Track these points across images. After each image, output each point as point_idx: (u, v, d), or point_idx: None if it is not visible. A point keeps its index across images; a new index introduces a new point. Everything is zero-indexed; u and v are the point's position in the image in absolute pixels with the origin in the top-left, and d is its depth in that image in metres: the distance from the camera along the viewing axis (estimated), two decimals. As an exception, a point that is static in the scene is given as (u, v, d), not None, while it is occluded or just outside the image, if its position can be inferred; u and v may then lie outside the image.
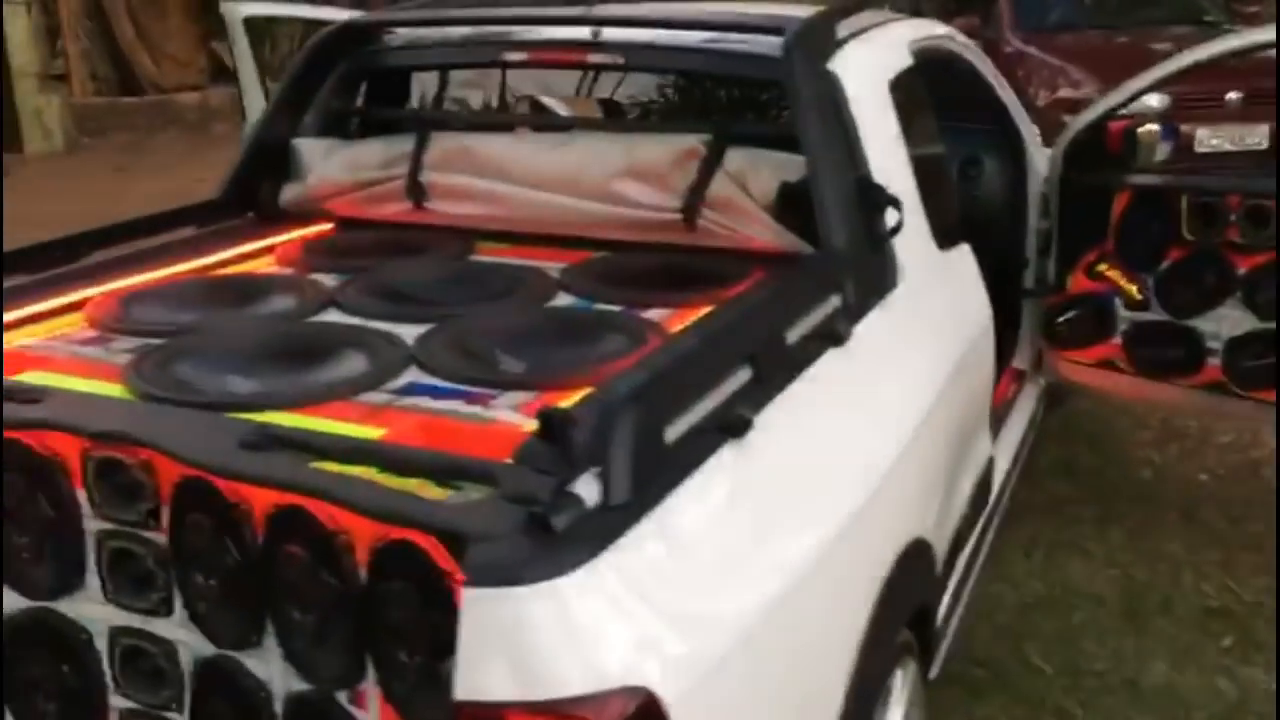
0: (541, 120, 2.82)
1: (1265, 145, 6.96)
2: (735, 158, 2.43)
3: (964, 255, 2.72)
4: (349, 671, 1.47)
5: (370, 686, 1.47)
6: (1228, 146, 6.65)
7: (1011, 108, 3.59)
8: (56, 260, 2.34)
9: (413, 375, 1.87)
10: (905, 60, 2.67)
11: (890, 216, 2.27)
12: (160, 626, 1.64)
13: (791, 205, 2.33)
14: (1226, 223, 3.25)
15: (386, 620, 1.41)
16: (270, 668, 1.56)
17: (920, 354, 2.24)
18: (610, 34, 2.57)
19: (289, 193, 2.76)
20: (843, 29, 2.50)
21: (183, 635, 1.63)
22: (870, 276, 2.21)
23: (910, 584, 1.97)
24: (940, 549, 2.25)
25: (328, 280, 2.37)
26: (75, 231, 2.45)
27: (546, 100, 3.73)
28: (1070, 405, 4.30)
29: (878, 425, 1.96)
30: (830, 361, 1.93)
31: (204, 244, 2.57)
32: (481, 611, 1.26)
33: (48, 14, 10.90)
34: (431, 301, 2.22)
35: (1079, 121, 3.60)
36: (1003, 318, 2.99)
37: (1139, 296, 3.47)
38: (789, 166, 2.35)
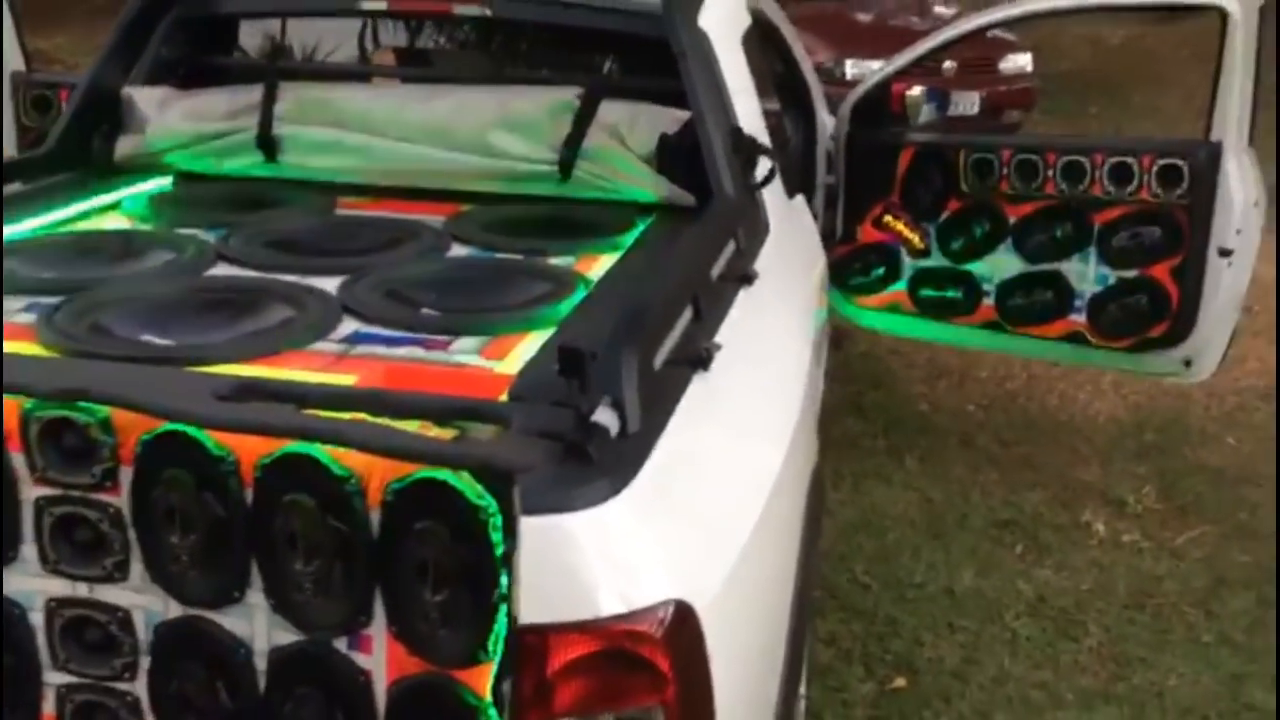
0: (408, 72, 2.76)
1: (976, 111, 7.68)
2: (610, 110, 2.50)
3: (802, 203, 2.92)
4: (353, 617, 1.46)
5: (376, 629, 1.47)
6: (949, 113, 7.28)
7: (806, 71, 3.83)
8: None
9: (352, 325, 1.84)
10: (747, 18, 2.82)
11: (762, 166, 2.41)
12: (111, 593, 1.56)
13: (671, 157, 2.43)
14: (1000, 176, 3.62)
15: (409, 561, 1.42)
16: (252, 623, 1.52)
17: (796, 290, 2.41)
18: (475, -15, 2.56)
19: (124, 145, 2.59)
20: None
21: (139, 600, 1.55)
22: (753, 222, 2.35)
23: (818, 496, 2.15)
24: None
25: (197, 234, 2.26)
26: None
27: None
28: (847, 349, 4.65)
29: (788, 353, 2.10)
30: (743, 299, 2.05)
31: (41, 199, 2.38)
32: (533, 540, 1.31)
33: None
34: (330, 252, 2.17)
35: (862, 86, 3.89)
36: None
37: (921, 245, 3.80)
38: (665, 119, 2.45)
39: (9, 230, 2.23)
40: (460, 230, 2.34)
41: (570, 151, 2.48)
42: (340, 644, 1.49)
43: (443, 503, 1.38)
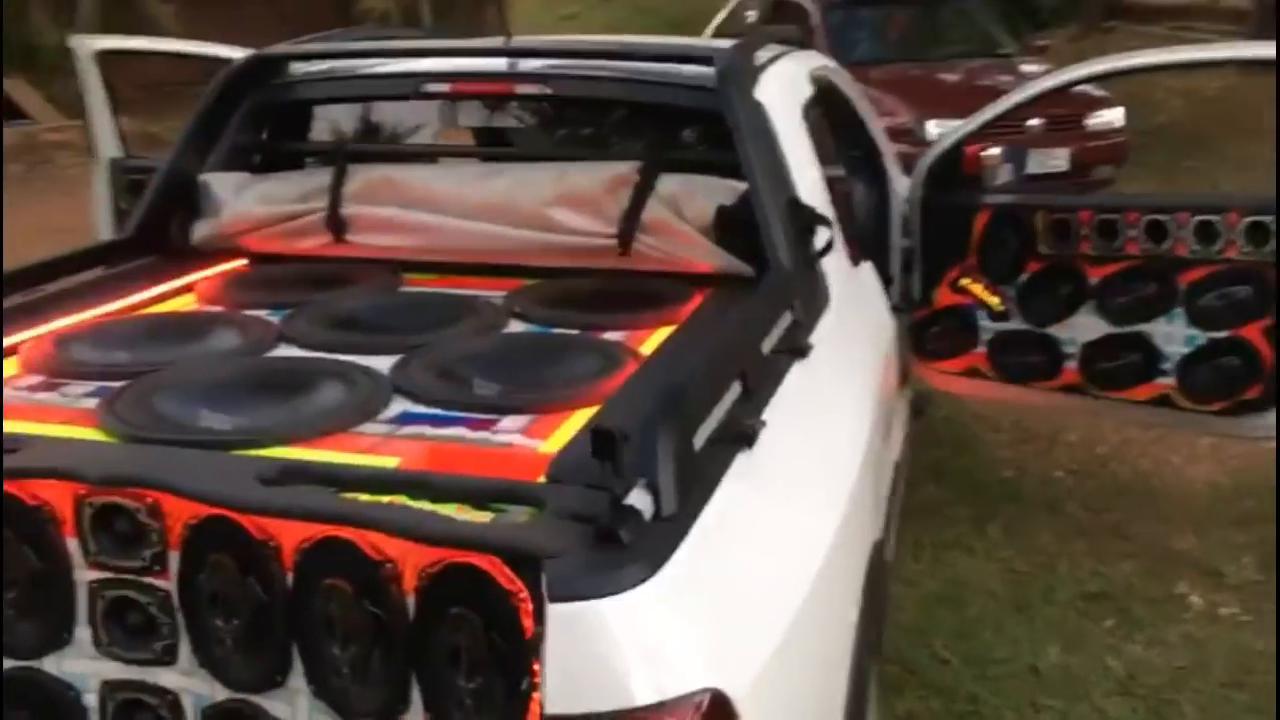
0: (468, 150, 2.82)
1: (1065, 167, 7.55)
2: (667, 183, 2.51)
3: (869, 270, 2.88)
4: (392, 704, 1.46)
5: (413, 716, 1.46)
6: (1033, 169, 7.18)
7: (877, 135, 3.81)
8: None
9: (402, 405, 1.86)
10: (809, 88, 2.82)
11: (821, 236, 2.39)
12: (162, 676, 1.58)
13: (728, 228, 2.43)
14: (1079, 237, 3.53)
15: (442, 647, 1.41)
16: (294, 708, 1.53)
17: (857, 360, 2.37)
18: (533, 65, 2.61)
19: (201, 229, 2.68)
20: (759, 58, 2.62)
21: (186, 683, 1.57)
22: (812, 293, 2.32)
23: (879, 574, 2.09)
24: (890, 548, 2.38)
25: (263, 316, 2.32)
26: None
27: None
28: (930, 414, 4.56)
29: (844, 430, 2.07)
30: (797, 373, 2.03)
31: (119, 284, 2.46)
32: (563, 627, 1.29)
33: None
34: (388, 331, 2.20)
35: (937, 147, 3.85)
36: None
37: (1000, 308, 3.72)
38: (722, 191, 2.45)
39: (88, 315, 2.31)
40: (518, 306, 2.36)
41: (629, 225, 2.49)
42: None
43: (474, 588, 1.38)
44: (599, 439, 1.41)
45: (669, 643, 1.36)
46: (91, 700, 1.61)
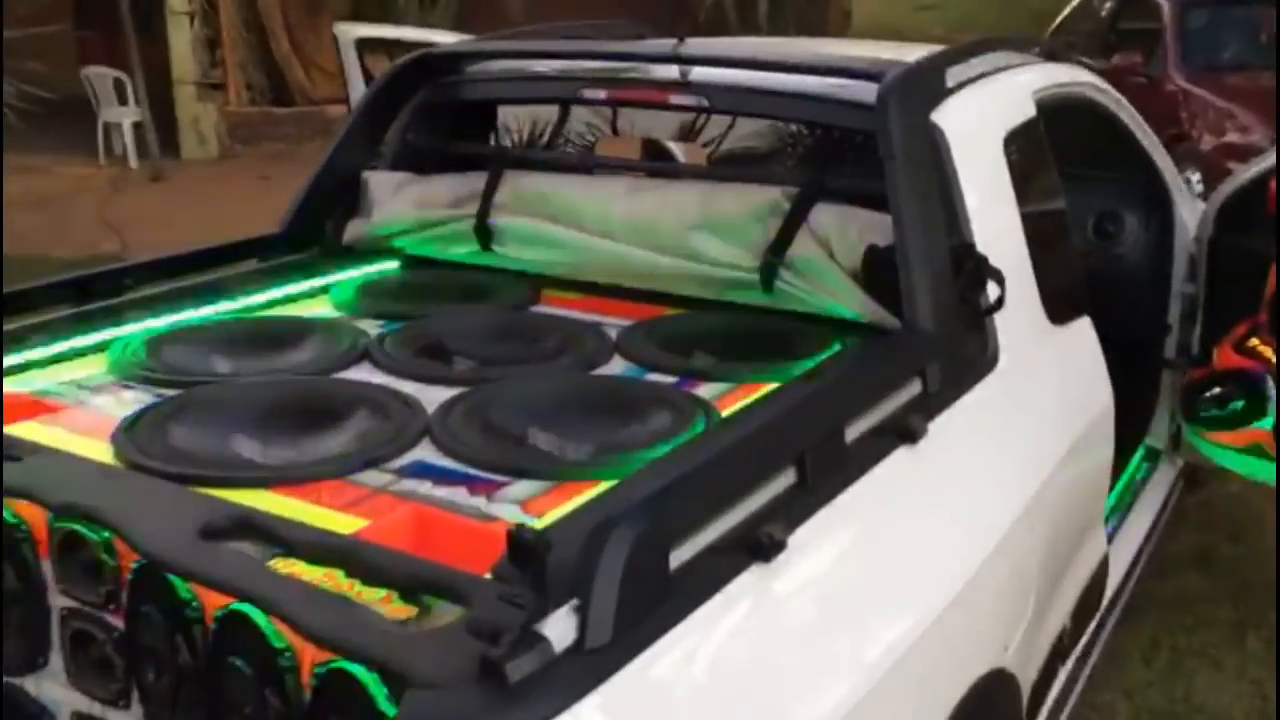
0: (621, 163, 2.62)
1: None
2: (822, 214, 2.19)
3: (1082, 330, 2.42)
4: None
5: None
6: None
7: (1158, 158, 3.25)
8: (102, 293, 2.24)
9: (422, 452, 1.69)
10: (1026, 111, 2.38)
11: (991, 291, 2.00)
12: (118, 719, 1.50)
13: (879, 272, 2.08)
14: (1402, 301, 2.85)
15: None
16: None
17: (1015, 450, 1.96)
18: (697, 74, 2.35)
19: (354, 229, 2.63)
20: (956, 75, 2.23)
21: None
22: (960, 359, 1.94)
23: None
24: (1028, 676, 1.96)
25: (373, 327, 2.22)
26: (130, 262, 2.36)
27: (672, 146, 3.51)
28: (1212, 488, 3.90)
29: (949, 539, 1.69)
30: (898, 462, 1.68)
31: (257, 281, 2.44)
32: None
33: (208, 25, 11.26)
34: (470, 360, 2.05)
35: (1234, 179, 3.23)
36: (1137, 388, 2.66)
37: None
38: (880, 228, 2.09)
39: (208, 311, 2.30)
40: (629, 341, 2.13)
41: (773, 258, 2.19)
42: None
43: (352, 700, 1.18)
44: (513, 545, 1.17)
45: None
46: (64, 728, 1.55)
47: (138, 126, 10.28)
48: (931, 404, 1.81)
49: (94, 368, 2.02)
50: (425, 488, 1.58)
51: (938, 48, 2.33)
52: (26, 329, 2.07)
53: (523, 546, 1.15)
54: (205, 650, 1.34)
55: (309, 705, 1.24)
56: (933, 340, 1.89)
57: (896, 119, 1.99)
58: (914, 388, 1.82)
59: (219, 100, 11.32)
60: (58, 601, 1.51)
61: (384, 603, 1.29)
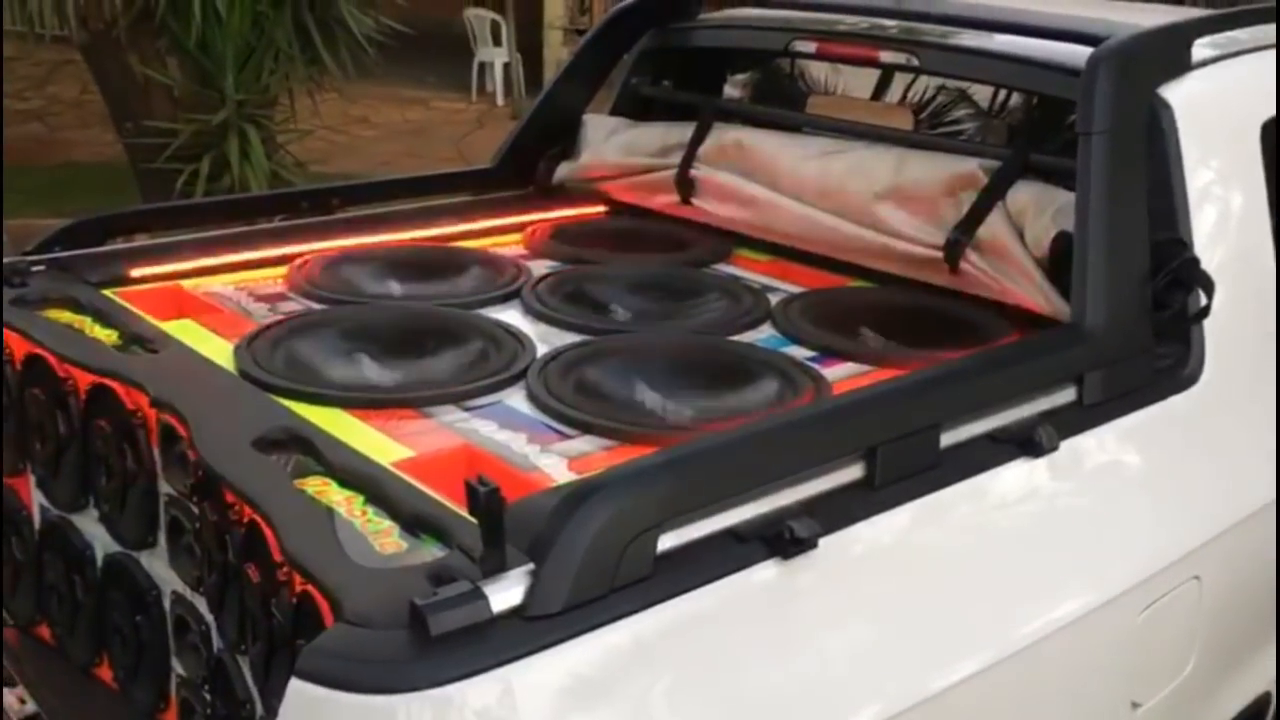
0: (826, 121, 2.45)
1: None
2: (1021, 192, 1.95)
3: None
4: None
5: None
6: None
7: None
8: (310, 210, 2.36)
9: (511, 396, 1.66)
10: (1292, 102, 2.01)
11: (1198, 298, 1.71)
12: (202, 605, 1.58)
13: (1067, 261, 1.82)
14: None
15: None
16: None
17: (1177, 493, 1.66)
18: (908, 29, 2.16)
19: (564, 170, 2.62)
20: (1208, 46, 1.91)
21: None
22: (1140, 370, 1.68)
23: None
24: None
25: (543, 268, 2.22)
26: (339, 184, 2.48)
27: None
28: None
29: (1029, 589, 1.45)
30: (1013, 476, 1.47)
31: (459, 212, 2.50)
32: (301, 712, 1.05)
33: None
34: (613, 312, 2.00)
35: None
36: None
37: None
38: (1072, 213, 1.84)
39: (394, 237, 2.37)
40: (784, 310, 2.01)
41: (961, 236, 1.98)
42: None
43: (318, 627, 1.18)
44: (469, 494, 1.12)
45: None
46: (167, 604, 1.66)
47: (507, 67, 10.89)
48: (1081, 417, 1.58)
49: (270, 279, 2.13)
50: (489, 429, 1.56)
51: (1198, 12, 2.01)
52: (226, 237, 2.22)
53: (475, 498, 1.10)
54: (237, 555, 1.38)
55: (292, 622, 1.25)
56: (1101, 343, 1.63)
57: (1105, 89, 1.72)
58: (1063, 395, 1.59)
59: (587, 44, 11.80)
60: (163, 487, 1.61)
61: (384, 534, 1.28)
